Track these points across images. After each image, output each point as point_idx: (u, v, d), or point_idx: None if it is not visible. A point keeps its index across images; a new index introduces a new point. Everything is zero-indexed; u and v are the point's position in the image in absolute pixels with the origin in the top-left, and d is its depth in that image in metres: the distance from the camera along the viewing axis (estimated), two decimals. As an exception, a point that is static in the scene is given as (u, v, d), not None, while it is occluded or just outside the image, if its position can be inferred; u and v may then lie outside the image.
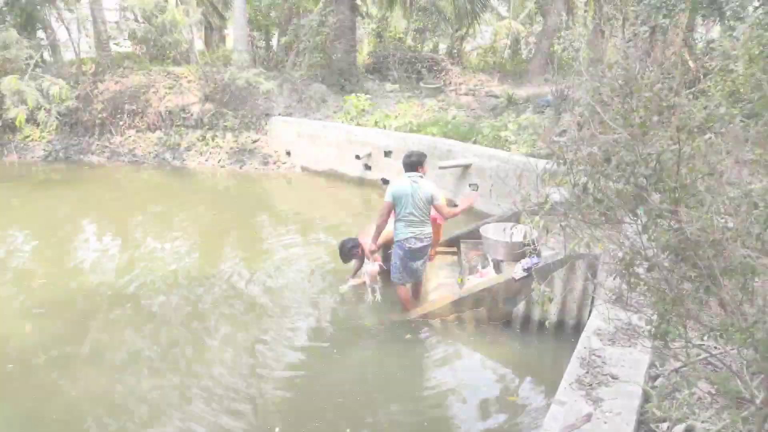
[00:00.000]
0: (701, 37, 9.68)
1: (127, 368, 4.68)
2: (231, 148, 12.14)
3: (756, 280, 1.59)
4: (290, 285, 6.26)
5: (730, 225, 1.57)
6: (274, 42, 17.26)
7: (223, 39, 20.49)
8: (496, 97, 13.14)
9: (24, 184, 10.53)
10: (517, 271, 5.31)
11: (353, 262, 6.22)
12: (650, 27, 7.42)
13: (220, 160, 12.00)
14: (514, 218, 6.82)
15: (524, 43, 19.87)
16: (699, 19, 9.79)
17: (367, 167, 10.74)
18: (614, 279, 1.93)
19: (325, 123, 11.68)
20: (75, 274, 6.58)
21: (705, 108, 1.65)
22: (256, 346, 5.05)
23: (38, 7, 13.52)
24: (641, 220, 1.77)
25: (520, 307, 5.36)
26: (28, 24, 13.56)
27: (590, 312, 5.18)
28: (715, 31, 10.09)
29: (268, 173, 11.69)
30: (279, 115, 12.52)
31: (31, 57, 12.12)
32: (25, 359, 4.75)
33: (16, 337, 5.13)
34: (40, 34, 14.13)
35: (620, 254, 1.82)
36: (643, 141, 1.63)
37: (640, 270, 1.88)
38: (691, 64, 8.22)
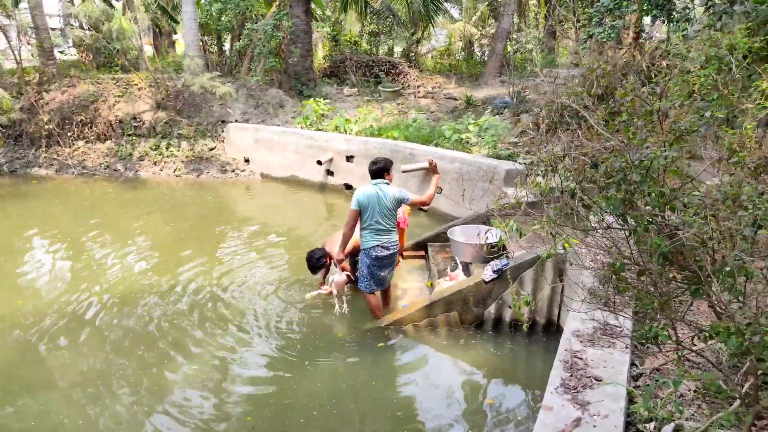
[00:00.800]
0: (651, 38, 10.00)
1: (81, 392, 4.44)
2: (187, 157, 11.80)
3: (747, 281, 1.60)
4: (255, 297, 6.09)
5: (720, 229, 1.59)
6: (226, 47, 16.92)
7: (172, 44, 19.94)
8: (455, 99, 13.25)
9: (-36, 200, 9.93)
10: (486, 273, 5.32)
11: (320, 273, 6.12)
12: (608, 27, 7.59)
13: (175, 170, 11.64)
14: (480, 220, 6.87)
15: (478, 46, 20.16)
16: (647, 20, 10.14)
17: (329, 173, 10.63)
18: (602, 284, 1.92)
19: (284, 129, 11.49)
20: (22, 293, 6.22)
21: (696, 113, 1.66)
22: (222, 361, 4.87)
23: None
24: (629, 225, 1.77)
25: (492, 308, 5.37)
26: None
27: (559, 311, 5.26)
28: (662, 31, 10.46)
29: (227, 181, 11.41)
30: (236, 121, 12.26)
31: (-33, 66, 11.48)
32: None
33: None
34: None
35: (610, 260, 1.80)
36: (631, 147, 1.63)
37: (627, 275, 1.88)
38: (643, 64, 8.46)
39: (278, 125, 12.13)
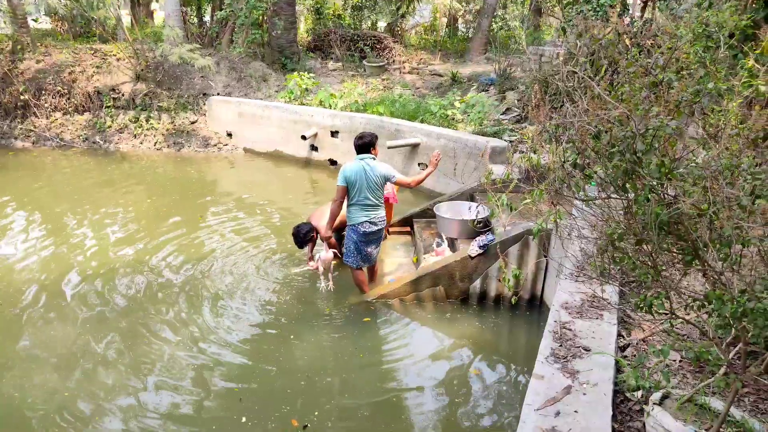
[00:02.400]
0: (633, 17, 10.02)
1: (70, 365, 4.41)
2: (167, 130, 11.57)
3: (744, 249, 1.64)
4: (239, 272, 6.06)
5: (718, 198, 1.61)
6: (207, 18, 16.52)
7: (150, 14, 19.41)
8: (440, 75, 13.17)
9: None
10: (472, 248, 5.37)
11: (307, 248, 6.11)
12: (596, 4, 7.57)
13: (156, 143, 11.43)
14: (465, 196, 6.90)
15: (462, 22, 20.00)
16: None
17: (314, 148, 10.53)
18: (599, 254, 1.94)
19: (267, 103, 11.32)
20: (1, 268, 6.10)
21: (698, 83, 1.67)
22: (206, 336, 4.86)
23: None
24: (630, 195, 1.78)
25: (477, 283, 5.43)
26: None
27: (543, 286, 5.34)
28: (647, 11, 10.48)
29: (209, 156, 11.25)
30: (218, 94, 12.03)
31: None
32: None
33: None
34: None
35: (608, 230, 1.83)
36: (634, 117, 1.63)
37: (623, 245, 1.90)
38: (627, 41, 8.48)
39: (261, 99, 11.95)
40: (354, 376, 4.39)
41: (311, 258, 6.16)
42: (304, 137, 10.15)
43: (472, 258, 5.35)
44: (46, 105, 11.57)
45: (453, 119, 9.37)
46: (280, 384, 4.23)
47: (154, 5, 20.75)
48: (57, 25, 15.40)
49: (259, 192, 9.13)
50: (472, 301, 5.44)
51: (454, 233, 6.02)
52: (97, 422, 3.80)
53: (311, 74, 12.25)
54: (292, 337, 4.87)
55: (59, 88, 11.54)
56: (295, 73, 12.03)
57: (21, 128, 11.45)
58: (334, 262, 5.78)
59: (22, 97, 11.39)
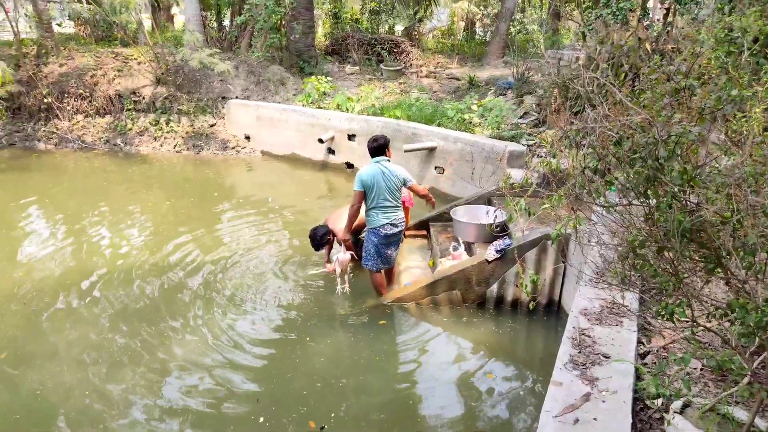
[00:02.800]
0: (657, 21, 9.92)
1: (90, 363, 4.48)
2: (187, 133, 11.72)
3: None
4: (256, 273, 6.11)
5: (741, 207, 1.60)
6: (226, 22, 16.70)
7: (170, 18, 19.68)
8: (457, 79, 13.16)
9: (-37, 173, 9.88)
10: (489, 252, 5.35)
11: (324, 250, 6.14)
12: (615, 8, 7.51)
13: (175, 146, 11.58)
14: (482, 200, 6.89)
15: (480, 25, 19.96)
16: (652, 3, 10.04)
17: (331, 151, 10.59)
18: (620, 261, 1.93)
19: (285, 106, 11.40)
20: (21, 266, 6.22)
21: (722, 90, 1.66)
22: (224, 337, 4.91)
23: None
24: (651, 202, 1.77)
25: (494, 288, 5.41)
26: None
27: (561, 291, 5.31)
28: (659, 14, 10.36)
29: (227, 159, 11.36)
30: (236, 98, 12.16)
31: (-36, 37, 11.30)
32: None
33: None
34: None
35: (627, 237, 1.82)
36: (656, 123, 1.63)
37: (644, 251, 1.89)
38: (647, 46, 8.42)
39: (279, 103, 12.04)
40: (370, 378, 4.40)
41: (328, 260, 6.20)
42: (321, 140, 10.21)
43: (489, 262, 5.33)
44: (68, 108, 11.79)
45: (470, 123, 9.35)
46: (296, 385, 4.26)
47: (174, 9, 21.06)
48: (80, 30, 15.67)
49: (277, 194, 9.20)
50: (489, 306, 5.42)
51: (471, 237, 6.00)
52: (116, 421, 3.85)
53: (329, 78, 12.32)
54: (308, 339, 4.90)
55: (81, 91, 11.75)
56: (313, 77, 12.12)
57: (44, 130, 11.67)
58: (350, 264, 5.80)
59: (45, 100, 11.61)
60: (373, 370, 4.50)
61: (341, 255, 5.64)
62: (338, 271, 5.67)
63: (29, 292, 5.60)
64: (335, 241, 6.02)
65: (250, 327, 5.10)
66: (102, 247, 6.77)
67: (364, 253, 5.44)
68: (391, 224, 5.24)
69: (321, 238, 5.81)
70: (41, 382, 4.25)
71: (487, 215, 6.11)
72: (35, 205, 8.24)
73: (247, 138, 11.80)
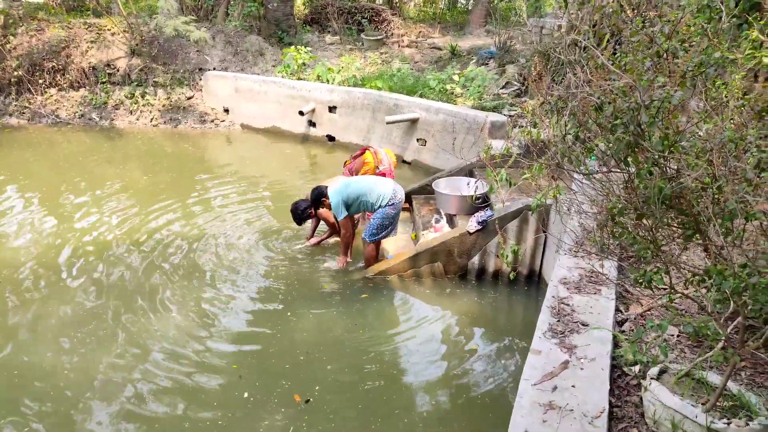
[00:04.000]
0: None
1: (68, 340, 4.42)
2: (164, 106, 11.45)
3: (747, 223, 1.61)
4: (237, 248, 6.04)
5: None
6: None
7: (145, -13, 19.03)
8: (439, 49, 12.98)
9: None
10: (471, 224, 5.35)
11: (308, 223, 6.10)
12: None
13: (152, 119, 11.31)
14: (464, 172, 6.86)
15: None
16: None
17: (312, 124, 10.44)
18: (599, 229, 1.91)
19: (264, 78, 11.17)
20: (4, 246, 6.08)
21: (703, 54, 1.62)
22: (202, 312, 4.86)
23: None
24: (631, 169, 1.75)
25: (476, 259, 5.43)
26: None
27: (542, 262, 5.34)
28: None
29: (206, 132, 11.15)
30: (213, 69, 11.87)
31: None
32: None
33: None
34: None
35: (608, 204, 1.80)
36: (637, 88, 1.59)
37: (623, 219, 1.88)
38: (628, 12, 8.31)
39: (258, 74, 11.79)
40: (353, 351, 4.41)
41: (311, 236, 6.17)
42: (301, 113, 10.05)
43: (470, 234, 5.33)
44: (40, 81, 11.41)
45: (452, 93, 9.26)
46: (279, 360, 4.25)
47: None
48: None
49: (257, 168, 9.08)
50: (471, 277, 5.44)
51: (453, 209, 6.00)
52: (97, 399, 3.82)
53: (308, 48, 12.07)
54: (289, 314, 4.88)
55: (54, 63, 11.37)
56: (292, 48, 11.86)
57: (16, 105, 11.31)
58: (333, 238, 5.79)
59: (15, 73, 11.22)
60: (357, 343, 4.51)
61: (334, 263, 5.71)
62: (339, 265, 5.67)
63: (3, 269, 5.48)
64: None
65: (230, 302, 5.06)
66: (79, 223, 6.64)
67: (370, 231, 5.42)
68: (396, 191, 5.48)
69: (302, 212, 5.76)
70: (18, 359, 4.19)
71: (468, 187, 6.10)
72: (8, 182, 8.03)
73: (226, 111, 11.57)
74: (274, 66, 12.22)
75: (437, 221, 5.96)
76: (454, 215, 6.03)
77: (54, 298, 5.06)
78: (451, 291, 5.27)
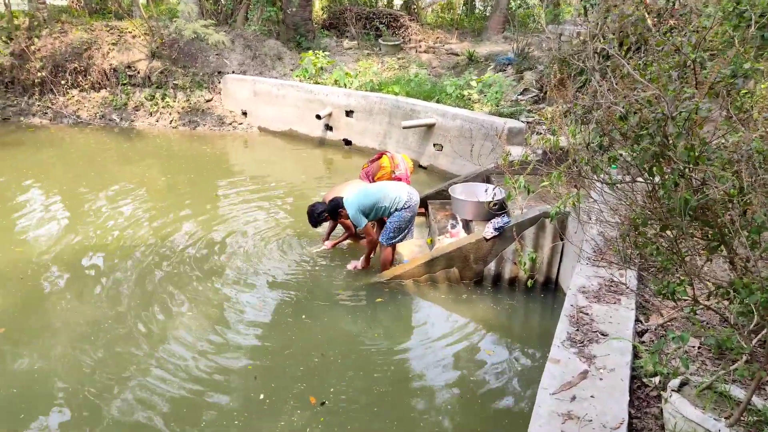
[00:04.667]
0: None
1: (87, 339, 4.47)
2: (183, 108, 11.58)
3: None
4: (253, 250, 6.08)
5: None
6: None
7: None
8: (457, 54, 12.98)
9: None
10: (487, 230, 5.33)
11: (324, 225, 6.12)
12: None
13: (171, 121, 11.45)
14: (480, 177, 6.85)
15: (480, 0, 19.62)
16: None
17: (329, 128, 10.48)
18: (622, 239, 1.90)
19: (282, 81, 11.25)
20: (20, 241, 6.19)
21: (731, 63, 1.61)
22: (219, 313, 4.90)
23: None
24: (655, 179, 1.73)
25: (492, 266, 5.41)
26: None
27: (558, 269, 5.30)
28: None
29: (224, 134, 11.25)
30: (232, 73, 11.99)
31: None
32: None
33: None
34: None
35: (632, 214, 1.78)
36: (667, 99, 1.58)
37: (646, 230, 1.86)
38: (649, 21, 8.26)
39: (276, 78, 11.88)
40: (368, 354, 4.42)
41: (326, 238, 6.20)
42: (319, 117, 10.11)
43: (487, 240, 5.31)
44: (62, 82, 11.62)
45: (469, 99, 9.25)
46: (294, 362, 4.27)
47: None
48: (73, 2, 15.38)
49: (274, 171, 9.13)
50: (487, 284, 5.42)
51: (469, 215, 5.98)
52: (117, 395, 3.86)
53: (326, 53, 12.14)
54: (304, 316, 4.89)
55: (76, 65, 11.57)
56: (310, 52, 11.94)
57: (39, 105, 11.53)
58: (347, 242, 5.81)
59: (39, 74, 11.44)
60: (372, 347, 4.51)
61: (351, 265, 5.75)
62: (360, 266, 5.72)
63: (27, 267, 5.58)
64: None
65: (246, 304, 5.08)
66: (99, 223, 6.73)
67: (388, 235, 5.44)
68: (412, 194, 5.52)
69: (319, 215, 5.77)
70: (39, 357, 4.25)
71: (486, 193, 6.09)
72: (31, 180, 8.17)
73: (244, 114, 11.67)
74: (292, 70, 12.31)
75: (453, 226, 5.95)
76: (471, 221, 6.02)
77: (74, 296, 5.14)
78: (467, 297, 5.26)
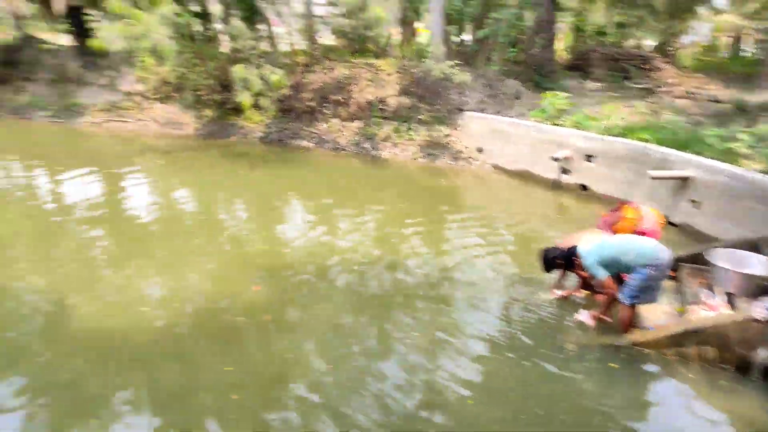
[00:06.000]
0: None
1: (326, 340, 5.04)
2: (424, 141, 12.38)
3: None
4: (480, 284, 6.13)
5: None
6: (466, 37, 17.18)
7: (413, 33, 20.92)
8: (719, 102, 11.59)
9: (245, 161, 11.93)
10: (758, 309, 4.58)
11: (554, 273, 5.90)
12: None
13: (413, 153, 12.32)
14: (748, 246, 5.93)
15: (750, 42, 17.30)
16: None
17: (565, 171, 10.16)
18: None
19: (519, 121, 11.30)
20: (285, 245, 7.28)
21: None
22: (437, 340, 5.03)
23: (261, 2, 14.99)
24: None
25: (761, 353, 4.60)
26: (251, 17, 15.10)
27: None
28: None
29: (459, 169, 11.71)
30: (471, 110, 12.42)
31: (253, 48, 13.52)
32: (252, 315, 5.37)
33: (244, 295, 5.75)
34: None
35: None
36: None
37: None
38: None
39: (513, 117, 11.98)
40: (585, 422, 4.08)
41: (558, 285, 5.95)
42: (555, 159, 9.88)
43: (757, 322, 4.55)
44: (326, 112, 13.37)
45: (737, 154, 8.14)
46: (515, 408, 4.16)
47: (417, 24, 22.36)
48: (338, 42, 17.63)
49: (505, 209, 9.18)
50: (755, 374, 4.60)
51: (733, 288, 5.22)
52: (352, 390, 4.27)
53: (567, 93, 11.87)
54: (525, 363, 4.72)
55: (338, 97, 13.22)
56: (550, 92, 11.79)
57: (306, 130, 13.43)
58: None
59: (308, 104, 13.35)
60: (594, 416, 4.14)
61: (585, 316, 5.42)
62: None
63: (282, 269, 6.43)
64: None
65: (463, 338, 5.11)
66: (342, 236, 7.58)
67: (627, 288, 5.03)
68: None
69: (552, 260, 5.57)
70: (293, 346, 4.88)
71: (758, 264, 5.27)
72: (295, 192, 9.77)
73: (479, 150, 11.97)
74: (529, 110, 12.30)
75: (711, 297, 5.24)
76: (733, 294, 5.24)
77: (320, 297, 5.81)
78: (727, 386, 4.53)
